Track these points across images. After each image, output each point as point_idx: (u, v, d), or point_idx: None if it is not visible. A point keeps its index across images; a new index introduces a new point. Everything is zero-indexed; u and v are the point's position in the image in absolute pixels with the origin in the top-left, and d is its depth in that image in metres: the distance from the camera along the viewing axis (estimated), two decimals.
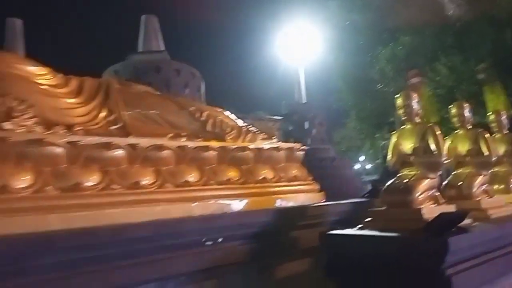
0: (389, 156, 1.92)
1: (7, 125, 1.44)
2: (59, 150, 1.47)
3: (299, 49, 15.46)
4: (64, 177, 1.46)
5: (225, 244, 1.65)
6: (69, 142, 1.49)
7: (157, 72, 3.83)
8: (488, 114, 2.79)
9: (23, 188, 1.36)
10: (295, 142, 2.54)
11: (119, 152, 1.63)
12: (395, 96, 1.93)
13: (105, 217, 1.46)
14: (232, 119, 2.28)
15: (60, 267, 1.23)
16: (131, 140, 1.68)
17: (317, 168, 2.53)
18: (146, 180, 1.67)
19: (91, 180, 1.52)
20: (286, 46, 16.05)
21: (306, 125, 4.46)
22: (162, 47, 4.77)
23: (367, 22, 10.51)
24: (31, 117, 1.56)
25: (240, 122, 2.31)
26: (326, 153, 4.84)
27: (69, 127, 1.62)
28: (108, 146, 1.59)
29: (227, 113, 2.32)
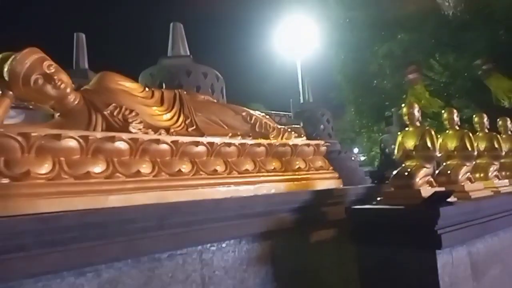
0: (395, 151, 2.54)
1: (131, 129, 2.04)
2: (166, 146, 2.07)
3: (297, 44, 15.89)
4: (170, 166, 2.06)
5: (277, 215, 2.27)
6: (172, 141, 2.09)
7: (188, 76, 4.34)
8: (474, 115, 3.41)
9: (146, 173, 1.96)
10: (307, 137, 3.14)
11: (202, 148, 2.23)
12: (403, 99, 2.52)
13: (198, 194, 2.07)
14: (272, 121, 2.89)
15: (182, 226, 1.84)
16: (209, 139, 2.28)
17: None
18: (220, 168, 2.28)
19: (186, 168, 2.13)
20: (284, 41, 16.49)
21: (321, 126, 5.06)
22: (188, 52, 5.24)
23: (366, 19, 10.99)
24: (139, 122, 2.16)
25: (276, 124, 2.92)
26: (333, 147, 5.43)
27: (166, 130, 2.22)
28: (196, 143, 2.19)
29: (267, 116, 2.93)
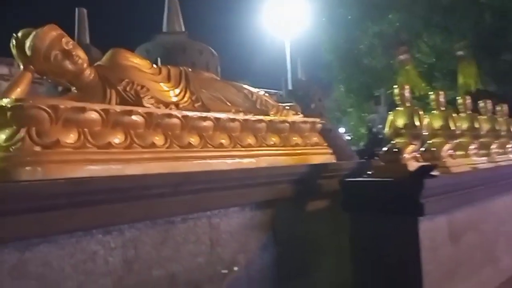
0: (386, 129, 2.76)
1: (145, 103, 2.19)
2: (177, 121, 2.23)
3: (287, 22, 15.82)
4: (180, 138, 2.23)
5: (277, 185, 2.48)
6: (183, 116, 2.25)
7: (183, 52, 4.38)
8: (457, 98, 3.65)
9: (160, 145, 2.12)
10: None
11: (209, 123, 2.40)
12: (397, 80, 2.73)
13: (206, 165, 2.25)
14: (271, 99, 3.06)
15: (193, 193, 2.03)
16: (215, 114, 2.45)
17: None
18: (225, 141, 2.45)
19: (195, 141, 2.29)
20: (273, 18, 16.38)
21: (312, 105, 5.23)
22: (183, 28, 5.24)
23: None
24: (151, 98, 2.31)
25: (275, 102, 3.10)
26: (323, 125, 5.61)
27: (175, 105, 2.37)
28: (204, 118, 2.36)
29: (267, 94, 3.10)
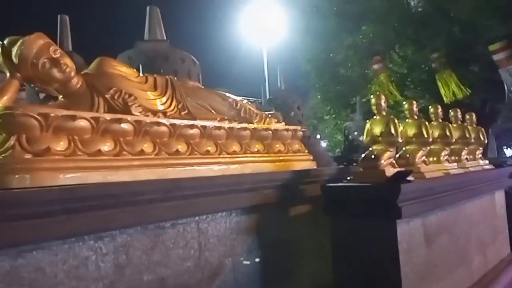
0: (364, 136, 2.89)
1: (134, 112, 2.23)
2: (165, 129, 2.29)
3: (264, 30, 16.03)
4: (168, 146, 2.28)
5: (262, 191, 2.56)
6: (170, 124, 2.31)
7: (166, 60, 4.43)
8: (430, 106, 3.85)
9: (149, 152, 2.17)
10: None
11: (196, 131, 2.46)
12: (372, 89, 2.85)
13: (194, 171, 2.31)
14: (255, 107, 3.15)
15: (183, 199, 2.08)
16: (202, 122, 2.51)
17: None
18: (211, 149, 2.52)
19: (182, 148, 2.35)
20: (251, 26, 16.57)
21: (292, 113, 5.35)
22: (164, 36, 5.30)
23: (332, 9, 11.31)
24: (138, 106, 2.35)
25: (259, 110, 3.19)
26: (304, 132, 5.75)
27: (163, 113, 2.42)
28: (191, 126, 2.42)
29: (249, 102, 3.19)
